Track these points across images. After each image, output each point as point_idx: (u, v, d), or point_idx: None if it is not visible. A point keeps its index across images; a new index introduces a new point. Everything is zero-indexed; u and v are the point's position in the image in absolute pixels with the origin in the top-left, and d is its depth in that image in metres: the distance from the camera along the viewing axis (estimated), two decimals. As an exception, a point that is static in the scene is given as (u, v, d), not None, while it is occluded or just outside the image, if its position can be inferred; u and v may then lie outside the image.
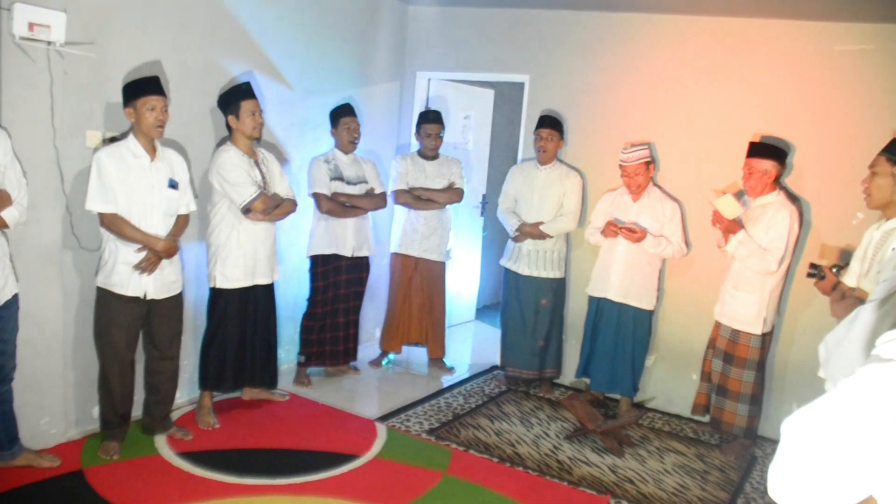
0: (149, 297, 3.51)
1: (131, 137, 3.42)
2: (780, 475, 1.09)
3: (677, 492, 3.70)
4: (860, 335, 1.97)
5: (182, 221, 3.64)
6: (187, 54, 3.95)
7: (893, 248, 2.76)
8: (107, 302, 3.46)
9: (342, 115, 4.67)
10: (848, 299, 2.81)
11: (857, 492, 1.04)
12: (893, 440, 1.00)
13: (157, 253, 3.45)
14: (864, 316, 1.99)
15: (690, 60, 4.64)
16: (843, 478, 1.03)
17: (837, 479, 1.04)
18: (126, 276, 3.42)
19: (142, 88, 3.37)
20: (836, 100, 4.20)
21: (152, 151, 3.47)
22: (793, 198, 4.18)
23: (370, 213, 4.82)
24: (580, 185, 4.84)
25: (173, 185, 3.54)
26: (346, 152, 4.70)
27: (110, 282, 3.42)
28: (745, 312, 4.02)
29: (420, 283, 5.22)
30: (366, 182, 4.75)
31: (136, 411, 3.72)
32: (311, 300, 4.72)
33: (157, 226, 3.48)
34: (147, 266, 3.44)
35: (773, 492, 1.12)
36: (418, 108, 5.75)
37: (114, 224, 3.36)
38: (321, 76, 4.95)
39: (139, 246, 3.42)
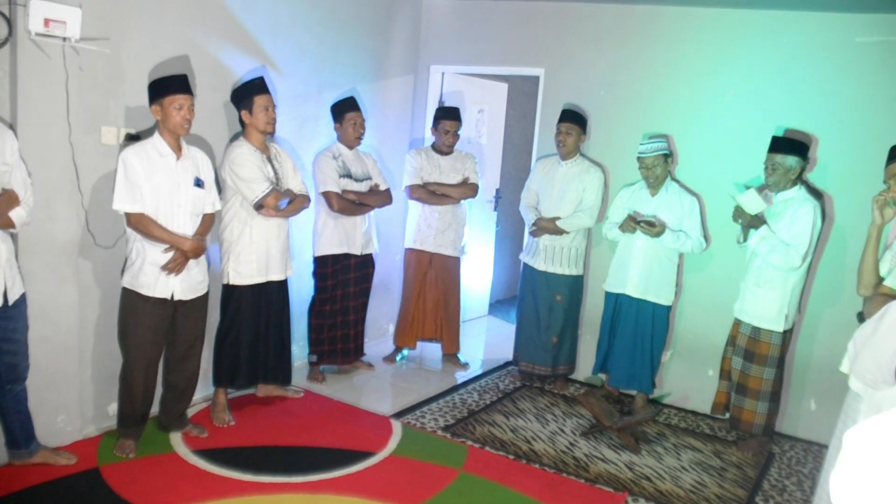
0: (176, 298, 3.47)
1: (157, 136, 3.37)
2: (845, 485, 1.09)
3: (695, 489, 3.67)
4: (893, 334, 1.94)
5: (208, 220, 3.59)
6: (201, 50, 3.93)
7: None
8: (133, 303, 3.41)
9: (347, 109, 4.54)
10: (877, 296, 2.76)
11: None
12: None
13: (184, 253, 3.40)
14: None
15: (711, 53, 4.57)
16: None
17: None
18: (153, 278, 3.38)
19: (169, 87, 3.32)
20: (858, 92, 4.13)
21: (178, 150, 3.42)
22: (815, 192, 4.12)
23: (374, 210, 4.75)
24: (600, 180, 4.76)
25: (199, 183, 3.49)
26: (351, 147, 4.62)
27: (137, 283, 3.38)
28: (767, 310, 3.96)
29: (434, 278, 5.19)
30: (370, 178, 4.69)
31: (152, 408, 3.71)
32: (319, 299, 4.65)
33: (185, 225, 3.44)
34: (174, 266, 3.39)
35: (836, 502, 1.11)
36: (432, 103, 5.71)
37: (141, 224, 3.32)
38: (335, 71, 4.91)
39: (166, 246, 3.38)
